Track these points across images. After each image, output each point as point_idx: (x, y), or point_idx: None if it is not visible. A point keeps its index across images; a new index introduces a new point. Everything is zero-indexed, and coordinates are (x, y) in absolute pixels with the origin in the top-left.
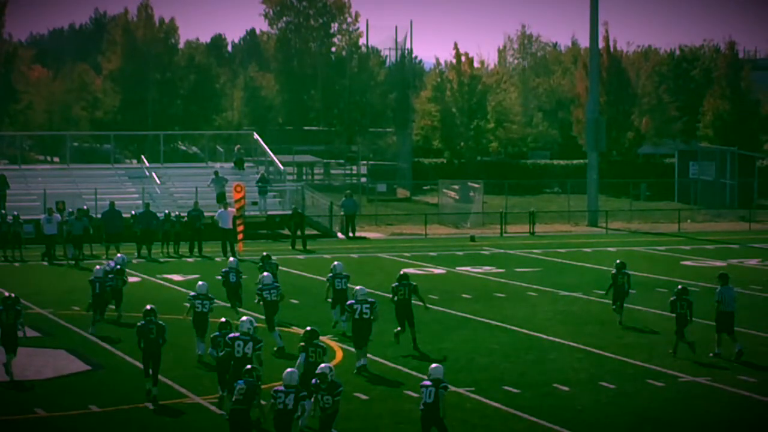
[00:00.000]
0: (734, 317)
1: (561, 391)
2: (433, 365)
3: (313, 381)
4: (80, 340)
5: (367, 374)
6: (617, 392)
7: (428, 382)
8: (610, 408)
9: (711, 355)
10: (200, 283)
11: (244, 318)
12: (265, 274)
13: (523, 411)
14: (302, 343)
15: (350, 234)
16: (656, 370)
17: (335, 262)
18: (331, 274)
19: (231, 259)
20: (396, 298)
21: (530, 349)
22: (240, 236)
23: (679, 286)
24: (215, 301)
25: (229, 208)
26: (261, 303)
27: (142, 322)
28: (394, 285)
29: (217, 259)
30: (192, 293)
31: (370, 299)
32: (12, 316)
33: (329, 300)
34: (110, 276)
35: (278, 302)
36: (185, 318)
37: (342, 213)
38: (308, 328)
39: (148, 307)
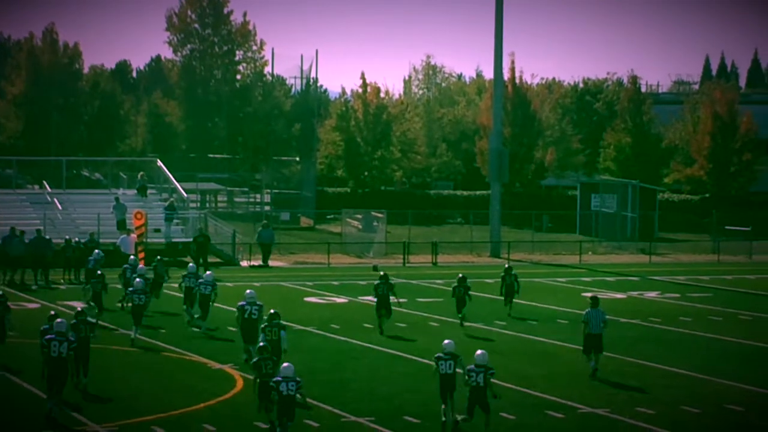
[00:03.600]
0: (602, 339)
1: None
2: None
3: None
4: None
5: None
6: (517, 423)
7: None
8: None
9: (591, 375)
10: (138, 279)
11: (59, 319)
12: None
13: None
14: (263, 326)
15: (264, 263)
16: (556, 401)
17: (190, 264)
18: (184, 273)
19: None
20: (378, 293)
21: (432, 379)
22: (141, 263)
23: (460, 275)
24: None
25: (131, 235)
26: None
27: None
28: (376, 283)
29: (117, 286)
30: (130, 288)
31: (258, 302)
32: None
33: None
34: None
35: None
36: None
37: (257, 241)
38: (272, 311)
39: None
